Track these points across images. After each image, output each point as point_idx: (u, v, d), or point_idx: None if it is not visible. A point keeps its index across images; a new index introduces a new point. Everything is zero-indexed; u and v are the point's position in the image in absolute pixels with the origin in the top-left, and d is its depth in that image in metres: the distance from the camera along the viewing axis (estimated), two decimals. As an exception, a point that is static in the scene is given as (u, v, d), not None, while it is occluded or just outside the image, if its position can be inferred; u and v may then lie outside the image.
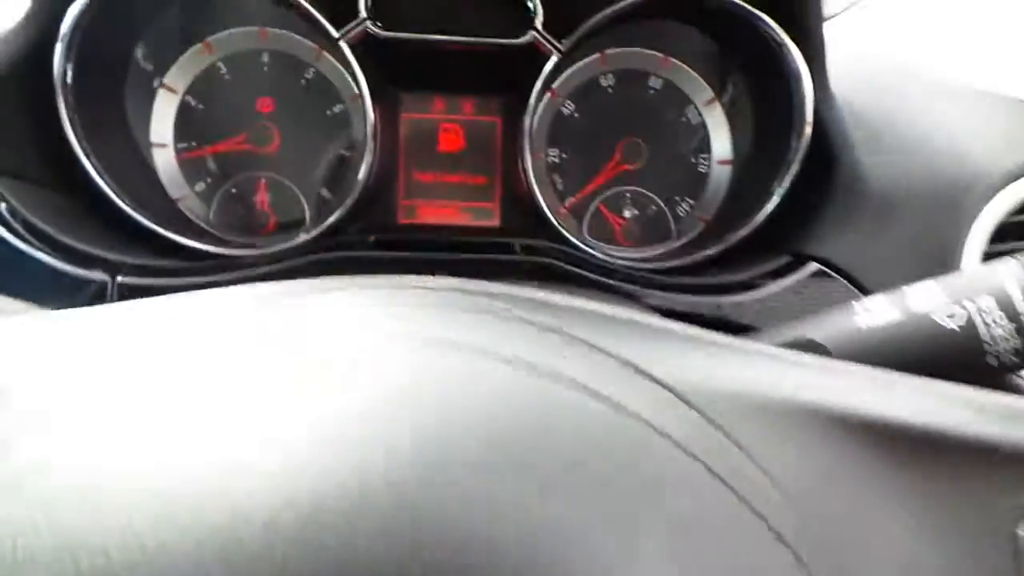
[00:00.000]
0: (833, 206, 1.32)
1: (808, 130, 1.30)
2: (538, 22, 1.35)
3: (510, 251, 1.31)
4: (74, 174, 1.24)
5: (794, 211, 1.36)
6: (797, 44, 1.27)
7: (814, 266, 1.29)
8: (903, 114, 1.38)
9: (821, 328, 0.89)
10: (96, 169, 1.24)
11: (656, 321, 0.60)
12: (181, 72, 1.49)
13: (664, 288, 1.27)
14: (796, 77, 1.28)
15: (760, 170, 1.47)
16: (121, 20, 1.29)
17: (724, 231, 1.54)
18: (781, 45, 1.28)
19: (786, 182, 1.33)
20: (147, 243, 1.30)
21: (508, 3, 1.37)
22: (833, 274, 1.29)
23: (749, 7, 1.27)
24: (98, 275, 1.10)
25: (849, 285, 1.28)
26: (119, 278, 1.11)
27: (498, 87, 1.59)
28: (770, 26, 1.27)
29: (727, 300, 1.26)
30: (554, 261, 1.28)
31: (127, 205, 1.26)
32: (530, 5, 1.34)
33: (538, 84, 1.38)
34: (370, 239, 1.26)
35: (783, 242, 1.38)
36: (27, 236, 1.11)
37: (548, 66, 1.37)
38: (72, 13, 1.18)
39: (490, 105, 1.60)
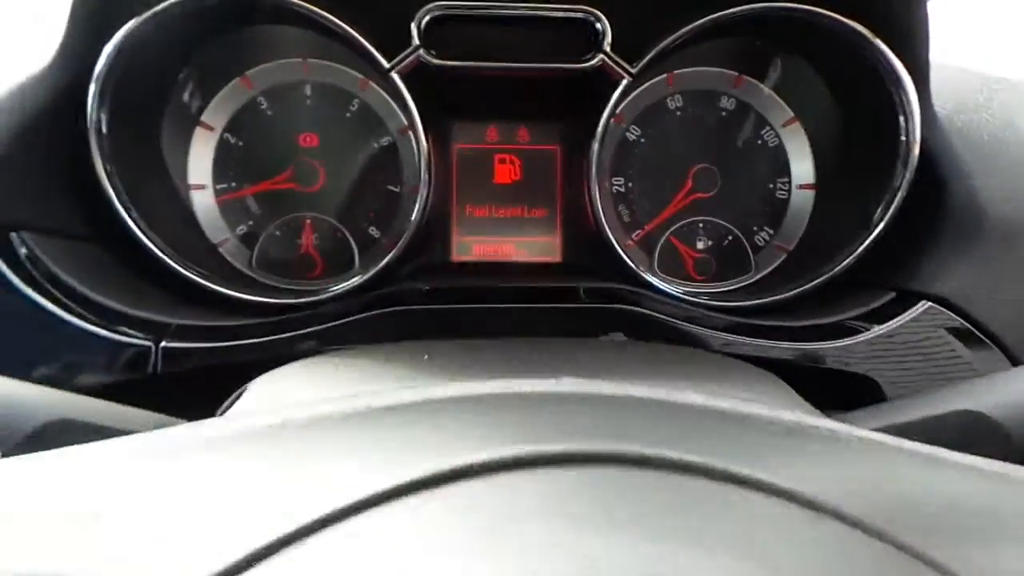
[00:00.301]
0: (944, 236, 1.18)
1: (916, 154, 1.16)
2: (607, 44, 1.23)
3: (575, 298, 1.19)
4: (109, 225, 1.15)
5: (897, 242, 1.22)
6: (903, 62, 1.14)
7: (925, 304, 1.15)
8: (1012, 131, 1.24)
9: (987, 396, 0.76)
10: (133, 219, 1.14)
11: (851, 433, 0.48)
12: (219, 109, 1.40)
13: (756, 333, 1.14)
14: (902, 97, 1.15)
15: (853, 196, 1.33)
16: (158, 58, 1.20)
17: (808, 262, 1.40)
18: (886, 64, 1.14)
19: (891, 211, 1.19)
20: (189, 295, 1.19)
21: (571, 25, 1.26)
22: (949, 313, 1.15)
23: (856, 25, 1.14)
24: (140, 339, 1.00)
25: (969, 326, 1.14)
26: (163, 343, 1.00)
27: (557, 113, 1.47)
28: (875, 45, 1.14)
29: (830, 347, 1.12)
30: (627, 307, 1.15)
31: (167, 256, 1.16)
32: (598, 27, 1.23)
33: (607, 110, 1.26)
34: (424, 288, 1.14)
35: (883, 276, 1.24)
36: (61, 298, 1.01)
37: (618, 91, 1.25)
38: (107, 52, 1.09)
39: (548, 132, 1.49)
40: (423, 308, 1.10)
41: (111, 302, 1.03)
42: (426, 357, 0.79)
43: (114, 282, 1.12)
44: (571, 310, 1.19)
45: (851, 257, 1.22)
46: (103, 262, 1.15)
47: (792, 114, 1.44)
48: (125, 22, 1.10)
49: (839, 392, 1.13)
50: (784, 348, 1.11)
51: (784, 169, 1.46)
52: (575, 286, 1.18)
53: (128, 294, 1.10)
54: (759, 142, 1.46)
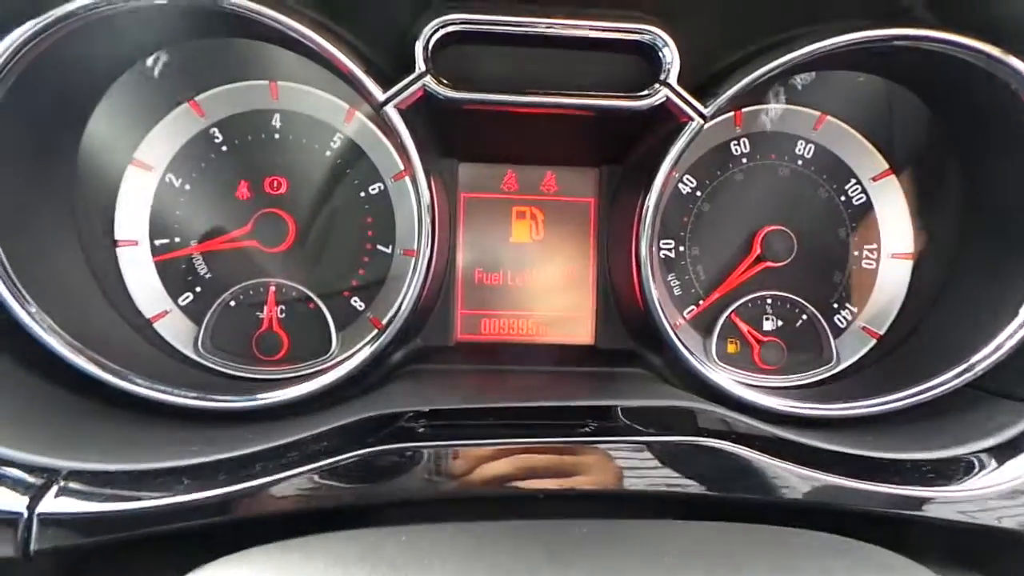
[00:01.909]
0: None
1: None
2: (672, 76, 0.93)
3: (612, 418, 0.87)
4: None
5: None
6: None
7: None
8: None
9: None
10: (14, 295, 0.82)
11: None
12: (159, 142, 1.08)
13: (851, 471, 0.83)
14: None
15: (977, 276, 1.04)
16: (68, 75, 0.88)
17: (907, 354, 1.12)
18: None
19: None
20: (106, 399, 0.88)
21: (626, 50, 0.96)
22: None
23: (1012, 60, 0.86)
24: (9, 505, 0.67)
25: None
26: (42, 504, 0.67)
27: (593, 157, 1.17)
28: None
29: (961, 493, 0.83)
30: (685, 441, 0.83)
31: (66, 346, 0.84)
32: (664, 54, 0.92)
33: (669, 158, 0.96)
34: (420, 427, 0.81)
35: (1014, 386, 0.96)
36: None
37: (685, 136, 0.95)
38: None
39: (582, 181, 1.18)
40: (415, 449, 0.77)
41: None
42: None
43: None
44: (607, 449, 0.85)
45: (985, 361, 0.93)
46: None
47: (887, 166, 1.15)
48: (12, 26, 0.79)
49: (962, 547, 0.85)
50: (892, 496, 0.81)
51: (872, 233, 1.17)
52: (615, 404, 0.87)
53: (11, 414, 0.78)
54: (842, 199, 1.17)
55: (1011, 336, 0.91)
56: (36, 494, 0.68)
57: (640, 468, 0.82)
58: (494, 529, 0.67)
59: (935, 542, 0.86)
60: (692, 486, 0.81)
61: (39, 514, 0.67)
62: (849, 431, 0.95)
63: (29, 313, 0.82)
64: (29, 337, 0.83)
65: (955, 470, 0.84)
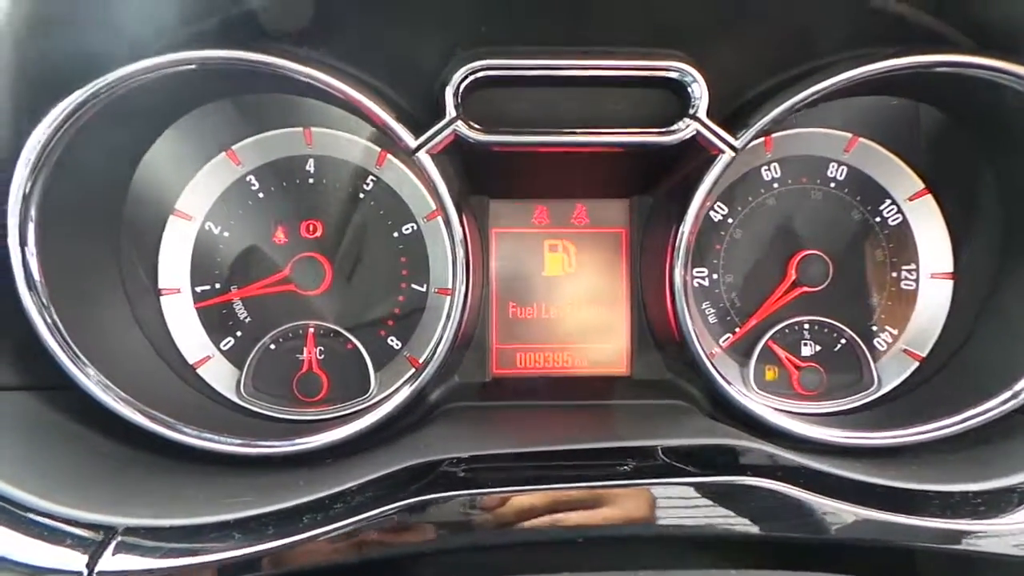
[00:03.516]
0: None
1: None
2: (701, 110, 0.94)
3: (651, 456, 0.87)
4: (42, 367, 0.85)
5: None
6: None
7: None
8: None
9: None
10: (71, 356, 0.85)
11: None
12: (198, 192, 1.11)
13: (919, 506, 0.81)
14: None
15: (1017, 290, 1.02)
16: (109, 144, 0.91)
17: (953, 377, 1.10)
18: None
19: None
20: (155, 447, 0.90)
21: (653, 86, 0.96)
22: None
23: None
24: (68, 564, 0.69)
25: None
26: (101, 563, 0.69)
27: (623, 188, 1.17)
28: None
29: (1016, 525, 0.80)
30: (725, 481, 0.82)
31: (119, 401, 0.87)
32: (692, 90, 0.93)
33: (702, 189, 0.96)
34: (460, 471, 0.81)
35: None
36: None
37: (717, 167, 0.95)
38: (32, 148, 0.80)
39: (613, 212, 1.18)
40: (457, 497, 0.77)
41: (33, 496, 0.73)
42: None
43: (48, 453, 0.82)
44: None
45: None
46: (35, 420, 0.86)
47: (922, 185, 1.13)
48: (63, 95, 0.82)
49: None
50: (941, 531, 0.79)
51: (911, 253, 1.15)
52: (654, 444, 0.86)
53: (67, 470, 0.81)
54: (878, 220, 1.16)
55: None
56: (95, 552, 0.70)
57: (683, 508, 0.81)
58: None
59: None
60: (737, 526, 0.80)
61: (98, 572, 0.69)
62: (893, 460, 0.93)
63: (83, 372, 0.84)
64: (82, 393, 0.86)
65: (1007, 501, 0.82)
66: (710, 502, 0.81)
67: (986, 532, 0.79)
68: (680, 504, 0.81)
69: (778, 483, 0.81)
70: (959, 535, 0.79)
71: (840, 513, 0.79)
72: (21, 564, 0.69)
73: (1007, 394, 0.93)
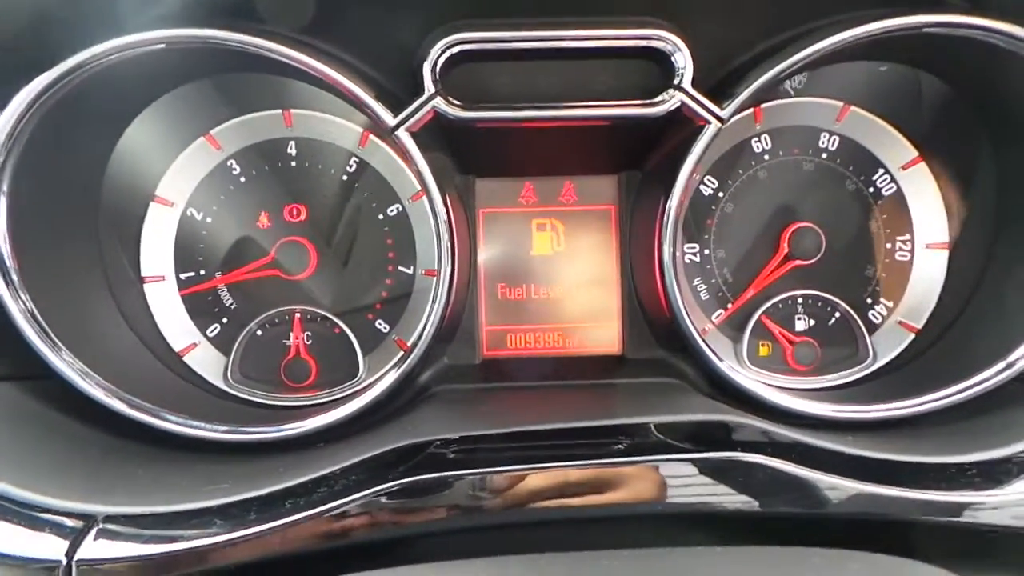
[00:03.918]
0: None
1: None
2: (686, 80, 0.91)
3: (644, 433, 0.85)
4: (25, 356, 0.84)
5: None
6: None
7: None
8: None
9: None
10: (50, 344, 0.84)
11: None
12: (179, 177, 1.09)
13: (916, 479, 0.80)
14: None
15: (1013, 260, 1.01)
16: (83, 127, 0.89)
17: (949, 347, 1.08)
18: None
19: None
20: (139, 435, 0.89)
21: (636, 57, 0.94)
22: None
23: None
24: (48, 553, 0.68)
25: None
26: (81, 550, 0.68)
27: (611, 164, 1.15)
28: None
29: (1013, 496, 0.79)
30: (723, 457, 0.80)
31: (99, 388, 0.86)
32: (676, 60, 0.90)
33: (689, 162, 0.94)
34: (450, 453, 0.80)
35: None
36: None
37: (703, 139, 0.93)
38: (1, 130, 0.78)
39: (601, 189, 1.16)
40: (445, 478, 0.76)
41: (13, 486, 0.72)
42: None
43: (30, 442, 0.81)
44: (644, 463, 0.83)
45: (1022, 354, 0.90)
46: (17, 410, 0.84)
47: (916, 153, 1.11)
48: (31, 77, 0.80)
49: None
50: (937, 503, 0.77)
51: (905, 224, 1.13)
52: (648, 421, 0.85)
53: (49, 458, 0.80)
54: (871, 190, 1.13)
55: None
56: (74, 540, 0.69)
57: (676, 486, 0.80)
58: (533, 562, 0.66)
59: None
60: (731, 502, 0.79)
61: (78, 560, 0.68)
62: (888, 433, 0.92)
63: (62, 359, 0.83)
64: (62, 382, 0.85)
65: (1005, 472, 0.81)
66: (703, 479, 0.80)
67: (984, 504, 0.78)
68: (673, 482, 0.80)
69: (771, 458, 0.80)
70: (957, 507, 0.78)
71: (835, 487, 0.78)
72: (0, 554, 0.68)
73: (1001, 364, 0.91)
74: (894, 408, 0.94)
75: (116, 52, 0.81)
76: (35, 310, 0.83)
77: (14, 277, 0.81)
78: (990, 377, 0.91)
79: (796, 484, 0.79)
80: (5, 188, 0.80)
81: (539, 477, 0.78)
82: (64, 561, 0.68)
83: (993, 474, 0.81)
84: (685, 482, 0.80)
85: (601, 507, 0.78)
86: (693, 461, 0.80)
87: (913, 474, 0.80)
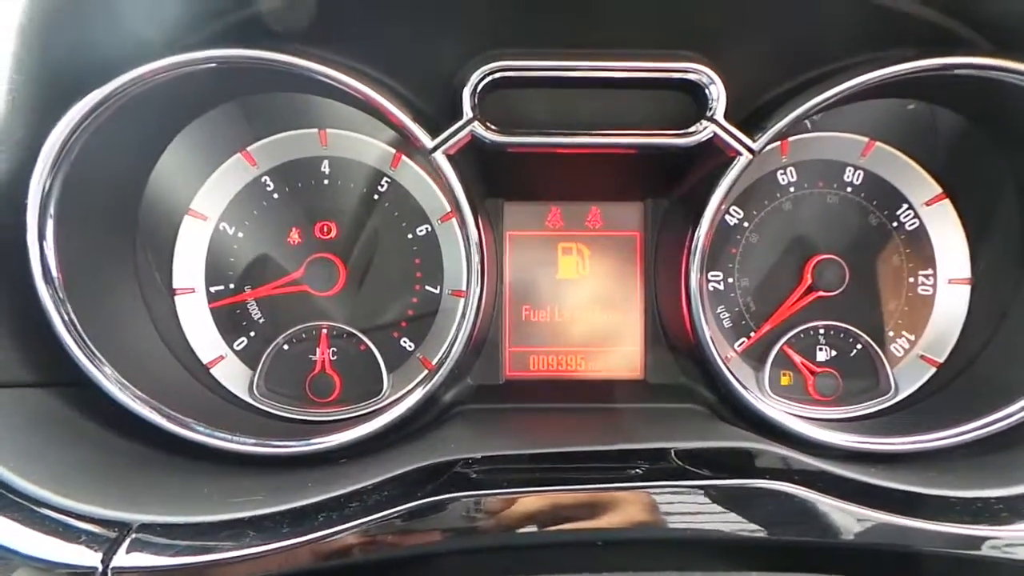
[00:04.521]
0: None
1: None
2: (719, 112, 0.93)
3: (664, 458, 0.85)
4: (61, 365, 0.85)
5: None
6: None
7: None
8: None
9: None
10: (88, 356, 0.85)
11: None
12: (214, 193, 1.11)
13: (940, 512, 0.80)
14: None
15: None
16: (126, 143, 0.92)
17: (970, 382, 1.09)
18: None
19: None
20: (168, 445, 0.90)
21: (670, 87, 0.96)
22: None
23: None
24: (84, 560, 0.69)
25: None
26: (116, 559, 0.69)
27: (637, 191, 1.17)
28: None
29: None
30: (742, 484, 0.80)
31: (134, 398, 0.87)
32: (711, 92, 0.92)
33: (719, 192, 0.95)
34: (476, 456, 0.81)
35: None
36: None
37: (734, 170, 0.95)
38: (51, 146, 0.80)
39: (627, 215, 1.18)
40: (470, 498, 0.76)
41: (50, 493, 0.73)
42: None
43: (66, 449, 0.82)
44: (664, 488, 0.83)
45: None
46: (52, 417, 0.86)
47: (940, 190, 1.13)
48: (79, 97, 0.82)
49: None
50: (961, 536, 0.77)
51: (928, 258, 1.14)
52: (667, 446, 0.85)
53: (83, 466, 0.81)
54: (894, 224, 1.15)
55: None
56: (109, 549, 0.70)
57: (696, 512, 0.80)
58: None
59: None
60: (751, 530, 0.79)
61: (113, 568, 0.68)
62: (912, 466, 0.92)
63: (102, 372, 0.84)
64: (98, 392, 0.86)
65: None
66: (723, 507, 0.80)
67: (1010, 539, 0.78)
68: (694, 508, 0.80)
69: (795, 487, 0.80)
70: (981, 541, 0.78)
71: (856, 518, 0.78)
72: (38, 559, 0.69)
73: (1016, 406, 0.91)
74: (918, 441, 0.94)
75: (165, 72, 0.83)
76: (75, 319, 0.84)
77: (57, 286, 0.83)
78: (1015, 412, 0.92)
79: (818, 513, 0.79)
80: (52, 211, 0.81)
81: (559, 499, 0.79)
82: (100, 568, 0.68)
83: (1018, 509, 0.81)
84: (705, 508, 0.80)
85: (619, 532, 0.78)
86: (715, 488, 0.80)
87: (939, 507, 0.80)
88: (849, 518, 0.78)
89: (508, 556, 0.80)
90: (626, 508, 0.80)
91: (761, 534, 0.79)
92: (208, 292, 1.11)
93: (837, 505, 0.79)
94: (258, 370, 1.11)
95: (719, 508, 0.80)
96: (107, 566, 0.68)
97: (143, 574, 0.69)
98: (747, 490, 0.80)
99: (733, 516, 0.79)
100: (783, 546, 0.80)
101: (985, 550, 0.78)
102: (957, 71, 0.88)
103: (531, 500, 0.78)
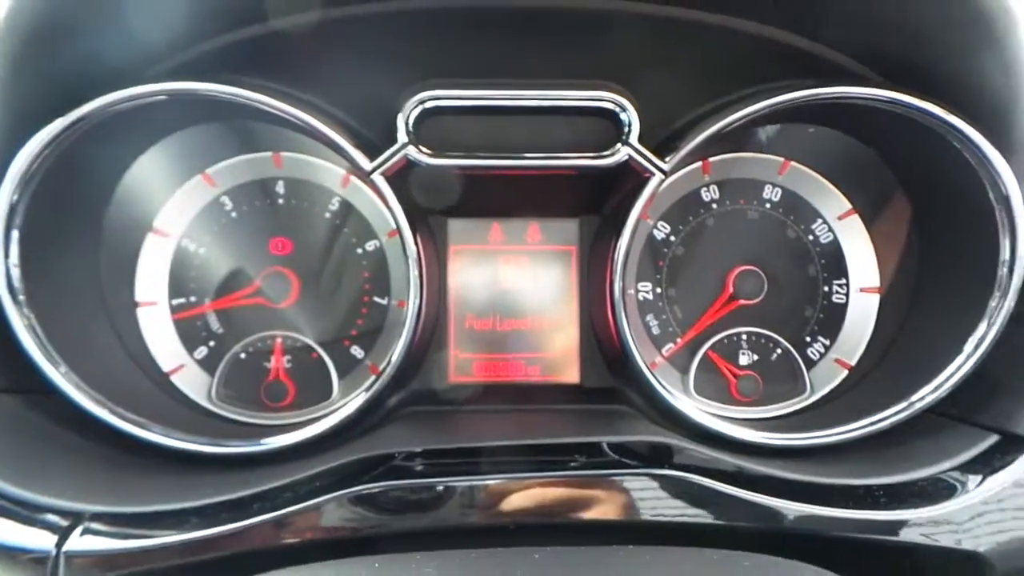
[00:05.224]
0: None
1: (1021, 264, 0.94)
2: (633, 137, 1.02)
3: (597, 452, 0.94)
4: (25, 371, 0.92)
5: (993, 370, 0.99)
6: (1003, 155, 0.92)
7: (1040, 453, 0.92)
8: None
9: None
10: (51, 361, 0.92)
11: None
12: (175, 212, 1.19)
13: (829, 498, 0.89)
14: (1005, 212, 0.93)
15: (934, 307, 1.11)
16: (91, 164, 1.00)
17: (877, 383, 1.17)
18: (987, 169, 0.93)
19: (988, 338, 0.96)
20: (129, 448, 0.97)
21: (590, 115, 1.05)
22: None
23: (955, 120, 0.93)
24: (38, 544, 0.76)
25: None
26: (68, 543, 0.76)
27: (573, 208, 1.26)
28: (974, 143, 0.92)
29: (931, 513, 0.87)
30: (659, 472, 0.89)
31: (92, 401, 0.94)
32: (624, 118, 1.02)
33: (635, 209, 1.04)
34: (414, 466, 0.89)
35: (973, 412, 1.01)
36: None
37: (648, 189, 1.04)
38: (19, 165, 0.88)
39: (564, 231, 1.27)
40: (411, 485, 0.85)
41: (9, 485, 0.80)
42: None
43: (26, 448, 0.90)
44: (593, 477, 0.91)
45: (942, 388, 0.99)
46: (15, 420, 0.93)
47: (850, 205, 1.22)
48: (47, 121, 0.90)
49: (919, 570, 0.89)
50: (868, 522, 0.86)
51: (841, 269, 1.24)
52: (600, 440, 0.94)
53: (43, 464, 0.88)
54: (810, 238, 1.24)
55: (956, 371, 0.97)
56: (63, 534, 0.77)
57: (620, 499, 0.88)
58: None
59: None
60: (665, 513, 0.87)
61: (65, 552, 0.76)
62: (817, 459, 1.01)
63: (59, 372, 0.92)
64: (58, 393, 0.93)
65: (909, 493, 0.89)
66: (643, 492, 0.88)
67: (885, 521, 0.86)
68: (617, 495, 0.88)
69: (700, 477, 0.88)
70: (864, 524, 0.86)
71: (749, 504, 0.86)
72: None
73: (904, 403, 1.00)
74: (816, 436, 1.03)
75: (129, 100, 0.92)
76: (37, 326, 0.91)
77: (21, 297, 0.90)
78: (902, 411, 1.00)
79: (718, 500, 0.87)
80: (18, 223, 0.89)
81: (496, 489, 0.87)
82: (54, 552, 0.75)
83: (899, 495, 0.89)
84: (628, 495, 0.88)
85: (551, 516, 0.86)
86: (635, 475, 0.88)
87: (826, 493, 0.89)
88: (742, 504, 0.87)
89: (436, 540, 0.87)
90: (559, 496, 0.88)
91: (671, 518, 0.87)
92: (170, 304, 1.19)
93: (733, 492, 0.87)
94: (216, 377, 1.18)
95: (638, 495, 0.88)
96: (60, 549, 0.76)
97: (93, 558, 0.77)
98: (660, 478, 0.88)
99: (650, 503, 0.88)
100: (688, 528, 0.88)
101: (861, 532, 0.86)
102: (844, 100, 0.98)
103: (466, 489, 0.86)
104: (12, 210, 0.88)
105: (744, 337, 1.24)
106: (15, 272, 0.89)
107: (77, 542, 0.77)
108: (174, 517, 0.80)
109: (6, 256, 0.89)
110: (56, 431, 0.96)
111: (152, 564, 0.77)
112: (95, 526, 0.79)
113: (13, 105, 0.87)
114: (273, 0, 0.95)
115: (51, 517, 0.79)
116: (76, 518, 0.79)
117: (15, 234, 0.89)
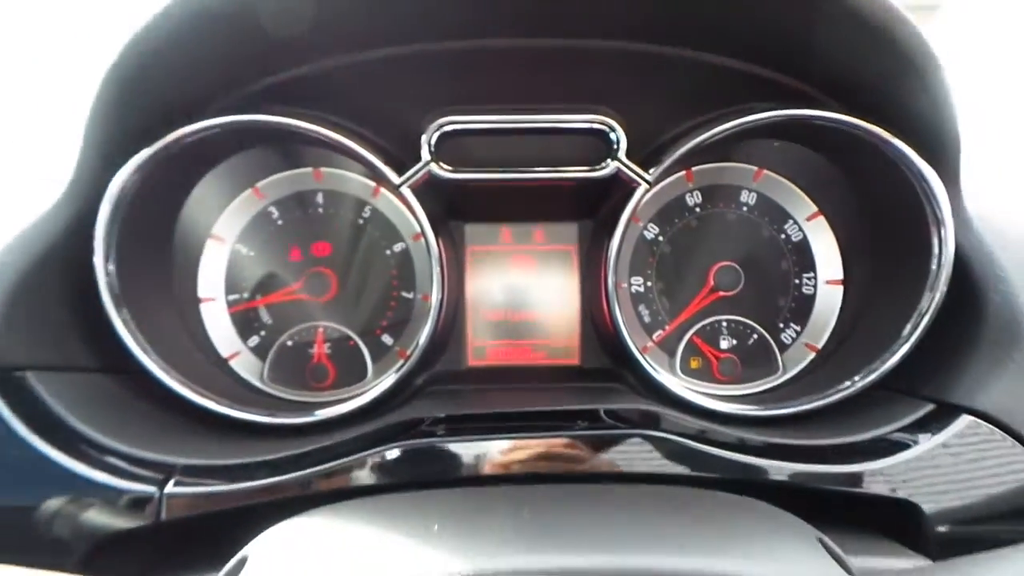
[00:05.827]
0: (982, 344, 1.12)
1: (949, 262, 1.11)
2: (621, 152, 1.21)
3: (595, 418, 1.11)
4: (116, 355, 1.12)
5: (933, 350, 1.16)
6: (935, 168, 1.09)
7: (967, 419, 1.08)
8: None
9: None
10: (141, 346, 1.12)
11: None
12: (230, 220, 1.39)
13: (789, 455, 1.06)
14: (935, 208, 1.09)
15: (884, 295, 1.27)
16: (167, 183, 1.19)
17: (841, 362, 1.34)
18: (916, 174, 1.10)
19: (924, 320, 1.13)
20: (199, 418, 1.16)
21: (586, 134, 1.23)
22: (991, 427, 1.08)
23: (886, 135, 1.10)
24: (144, 484, 0.96)
25: (1015, 442, 1.07)
26: (168, 488, 0.96)
27: (573, 214, 1.44)
28: (904, 154, 1.10)
29: (871, 467, 1.05)
30: (649, 433, 1.06)
31: (175, 383, 1.13)
32: (613, 136, 1.20)
33: (625, 215, 1.22)
34: (440, 416, 1.08)
35: (920, 385, 1.18)
36: (63, 443, 0.98)
37: (635, 197, 1.22)
38: (115, 185, 1.08)
39: (565, 233, 1.45)
40: (436, 443, 1.03)
41: (116, 443, 1.00)
42: (436, 528, 0.74)
43: (122, 416, 1.08)
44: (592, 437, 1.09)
45: (885, 365, 1.16)
46: (111, 394, 1.12)
47: (816, 208, 1.39)
48: (133, 152, 1.10)
49: (868, 517, 1.06)
50: (819, 474, 1.04)
51: (810, 264, 1.41)
52: (597, 408, 1.12)
53: (136, 428, 1.07)
54: (783, 236, 1.41)
55: (896, 351, 1.13)
56: (163, 480, 0.96)
57: (613, 455, 1.06)
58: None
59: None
60: (652, 466, 1.04)
61: (166, 493, 0.95)
62: (783, 426, 1.17)
63: (151, 359, 1.11)
64: (145, 376, 1.12)
65: (857, 451, 1.05)
66: (632, 451, 1.05)
67: (839, 473, 1.02)
68: (612, 451, 1.06)
69: (676, 437, 1.05)
70: (820, 476, 1.02)
71: (716, 458, 1.03)
72: (108, 487, 0.94)
73: (858, 378, 1.16)
74: (794, 402, 1.19)
75: (196, 133, 1.11)
76: (131, 321, 1.11)
77: (118, 297, 1.10)
78: (850, 386, 1.17)
79: (693, 455, 1.04)
80: (116, 227, 1.09)
81: (509, 447, 1.05)
82: (157, 493, 0.95)
83: (849, 453, 1.06)
84: (621, 452, 1.04)
85: (556, 468, 1.04)
86: (629, 435, 1.05)
87: (787, 452, 1.05)
88: (712, 459, 1.03)
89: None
90: (563, 452, 1.05)
91: (653, 469, 1.04)
92: (227, 300, 1.39)
93: (704, 449, 1.04)
94: (267, 362, 1.38)
95: (631, 451, 1.05)
96: (162, 491, 0.95)
97: (187, 499, 0.96)
98: (649, 437, 1.06)
99: (639, 457, 1.05)
100: (672, 479, 1.06)
101: (817, 483, 1.03)
102: (800, 120, 1.15)
103: (484, 446, 1.04)
104: (110, 224, 1.08)
105: (724, 324, 1.41)
106: (114, 275, 1.09)
107: (173, 487, 0.96)
108: (247, 469, 0.99)
109: (106, 262, 1.08)
110: (140, 404, 1.15)
111: (234, 504, 0.96)
112: (184, 477, 0.99)
113: (112, 137, 1.07)
114: (313, 46, 1.14)
115: (150, 467, 0.98)
116: (170, 468, 0.99)
117: (114, 245, 1.09)
